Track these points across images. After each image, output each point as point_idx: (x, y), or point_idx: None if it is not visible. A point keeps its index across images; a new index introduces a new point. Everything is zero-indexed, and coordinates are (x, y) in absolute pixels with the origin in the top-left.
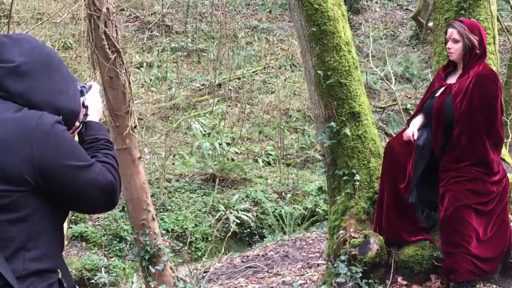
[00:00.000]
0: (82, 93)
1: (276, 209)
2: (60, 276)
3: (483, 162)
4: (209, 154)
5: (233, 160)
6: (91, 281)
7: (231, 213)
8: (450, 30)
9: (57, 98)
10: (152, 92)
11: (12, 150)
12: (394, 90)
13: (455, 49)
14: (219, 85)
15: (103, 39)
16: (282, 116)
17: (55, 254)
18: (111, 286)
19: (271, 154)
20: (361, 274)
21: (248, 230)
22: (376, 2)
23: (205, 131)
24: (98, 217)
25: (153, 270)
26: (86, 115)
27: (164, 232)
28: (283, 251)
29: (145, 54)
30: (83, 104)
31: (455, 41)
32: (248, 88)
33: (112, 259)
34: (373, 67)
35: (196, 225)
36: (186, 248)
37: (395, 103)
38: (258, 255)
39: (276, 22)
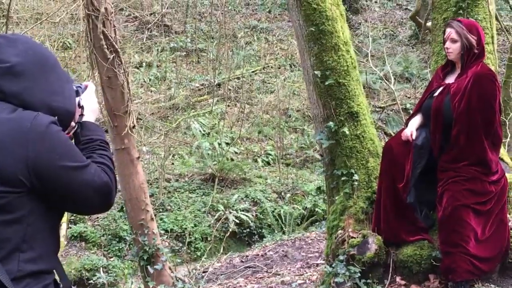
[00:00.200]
0: (77, 93)
1: (275, 209)
2: (56, 277)
3: (481, 161)
4: (208, 154)
5: (232, 160)
6: (90, 281)
7: (230, 213)
8: (448, 30)
9: (52, 99)
10: (151, 92)
11: (6, 151)
12: (393, 90)
13: (453, 49)
14: (219, 85)
15: (101, 39)
16: (282, 116)
17: (51, 255)
18: (110, 286)
19: (270, 154)
20: (359, 274)
21: (248, 230)
22: (376, 2)
23: (204, 131)
24: (98, 217)
25: (151, 270)
26: (81, 115)
27: (163, 232)
28: (282, 251)
29: (145, 54)
30: (78, 104)
31: (453, 40)
32: (247, 88)
33: (112, 259)
34: (372, 66)
35: (195, 225)
36: (185, 248)
37: (394, 102)
38: (258, 255)
39: (275, 22)
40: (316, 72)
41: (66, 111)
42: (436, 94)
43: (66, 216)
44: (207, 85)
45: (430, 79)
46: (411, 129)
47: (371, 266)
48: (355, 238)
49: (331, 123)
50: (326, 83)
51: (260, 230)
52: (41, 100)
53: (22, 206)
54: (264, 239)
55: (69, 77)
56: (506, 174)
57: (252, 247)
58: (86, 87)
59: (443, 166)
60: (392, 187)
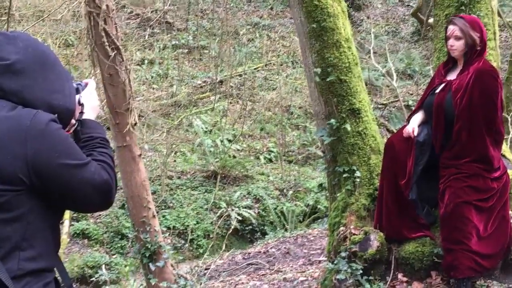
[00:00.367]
0: (77, 91)
1: (277, 206)
2: (57, 275)
3: (483, 158)
4: (210, 151)
5: (234, 157)
6: (92, 279)
7: (232, 210)
8: (452, 27)
9: (52, 96)
10: (153, 89)
11: (6, 149)
12: (395, 87)
13: (457, 46)
14: (221, 82)
15: (102, 36)
16: (284, 113)
17: (51, 253)
18: (112, 284)
19: (272, 151)
20: (361, 271)
21: (250, 227)
22: None
23: (206, 128)
24: (100, 215)
25: (153, 268)
26: (82, 113)
27: (165, 229)
28: (285, 248)
29: (146, 51)
30: (79, 102)
31: (457, 38)
32: (249, 85)
33: (114, 256)
34: (374, 63)
35: (197, 222)
36: (187, 245)
37: (396, 99)
38: (260, 252)
39: (277, 19)
40: (316, 69)
41: (66, 108)
42: (437, 90)
43: (68, 214)
44: (209, 82)
45: (432, 76)
46: (413, 126)
47: (373, 263)
48: (357, 235)
49: (332, 120)
50: (328, 79)
51: (262, 227)
52: (41, 98)
53: (22, 204)
54: (266, 236)
55: (69, 75)
56: (508, 171)
57: (254, 244)
58: (86, 84)
59: (445, 163)
60: (394, 184)
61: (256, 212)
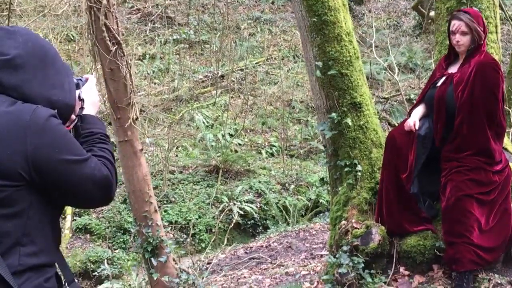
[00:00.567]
0: (78, 86)
1: (279, 200)
2: (58, 270)
3: (484, 151)
4: (212, 145)
5: (236, 151)
6: (95, 273)
7: (234, 204)
8: (457, 23)
9: (51, 92)
10: (154, 84)
11: (5, 144)
12: (397, 80)
13: (463, 42)
14: (222, 76)
15: (103, 31)
16: (285, 107)
17: (52, 248)
18: (115, 278)
19: (274, 145)
20: (363, 265)
21: (252, 221)
22: None
23: (208, 122)
24: (102, 210)
25: (155, 262)
26: (82, 108)
27: (167, 224)
28: (287, 242)
29: (148, 46)
30: (79, 97)
31: (464, 33)
32: (251, 80)
33: (116, 251)
34: (376, 57)
35: (199, 217)
36: (189, 239)
37: (398, 93)
38: (262, 246)
39: (279, 13)
40: (317, 63)
41: (65, 104)
42: (439, 84)
43: (70, 209)
44: (210, 77)
45: (433, 69)
46: (414, 119)
47: (374, 256)
48: (358, 228)
49: (334, 114)
50: (329, 73)
51: (264, 221)
52: (41, 93)
53: (22, 199)
54: (268, 230)
55: (69, 70)
56: (510, 164)
57: (256, 238)
58: (86, 80)
59: (446, 156)
60: (395, 178)
61: (258, 206)
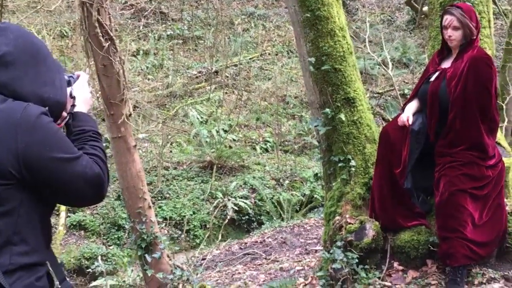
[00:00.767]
0: (69, 84)
1: (274, 195)
2: (50, 268)
3: (478, 146)
4: (206, 141)
5: (230, 147)
6: (89, 270)
7: (229, 200)
8: (449, 18)
9: (43, 89)
10: (148, 80)
11: None
12: (391, 76)
13: (455, 37)
14: (216, 72)
15: (96, 27)
16: (279, 102)
17: (43, 247)
18: (110, 275)
19: (268, 141)
20: (357, 260)
21: (246, 217)
22: None
23: (202, 118)
24: (96, 206)
25: (149, 259)
26: (73, 105)
27: (162, 220)
28: (281, 237)
29: (141, 41)
30: (70, 94)
31: (456, 28)
32: (245, 75)
33: (111, 247)
34: (370, 52)
35: (194, 213)
36: (184, 235)
37: (392, 88)
38: (256, 241)
39: (272, 8)
40: (310, 59)
41: (57, 101)
42: (432, 79)
43: None
44: (204, 73)
45: (426, 64)
46: (408, 114)
47: (368, 252)
48: (352, 224)
49: (327, 109)
50: (322, 69)
51: (258, 217)
52: (32, 90)
53: (12, 198)
54: (262, 226)
55: (61, 67)
56: (503, 159)
57: (251, 234)
58: (78, 77)
59: (440, 151)
60: (389, 173)
61: (253, 202)
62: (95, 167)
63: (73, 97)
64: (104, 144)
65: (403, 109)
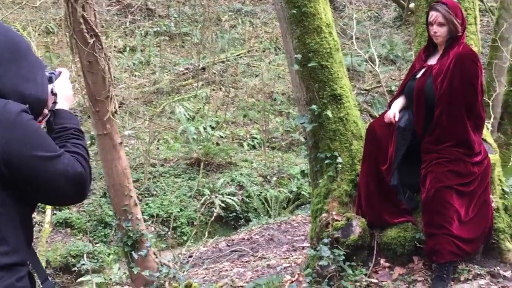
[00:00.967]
0: (50, 80)
1: (261, 192)
2: (31, 269)
3: (464, 142)
4: (193, 138)
5: (218, 144)
6: (75, 268)
7: (216, 197)
8: (434, 14)
9: (23, 86)
10: (135, 76)
11: None
12: (378, 72)
13: (440, 33)
14: (203, 69)
15: (81, 23)
16: (267, 99)
17: (24, 247)
18: (96, 272)
19: (256, 138)
20: (344, 257)
21: (234, 214)
22: None
23: (189, 115)
24: (83, 203)
25: (135, 256)
26: (55, 103)
27: (149, 217)
28: (268, 234)
29: (128, 38)
30: (51, 91)
31: (441, 24)
32: (232, 72)
33: (97, 245)
34: (357, 49)
35: (181, 210)
36: (171, 232)
37: (379, 85)
38: (243, 238)
39: (259, 5)
40: (297, 55)
41: (37, 98)
42: (418, 75)
43: None
44: (191, 69)
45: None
46: (394, 111)
47: (355, 248)
48: (339, 221)
49: (314, 106)
50: (309, 65)
51: (246, 214)
52: (12, 87)
53: None
54: (250, 223)
55: (42, 64)
56: (489, 155)
57: (238, 231)
58: (60, 73)
59: (426, 148)
60: (375, 169)
61: (240, 199)
62: (77, 165)
63: (54, 94)
64: (88, 142)
65: (389, 106)
